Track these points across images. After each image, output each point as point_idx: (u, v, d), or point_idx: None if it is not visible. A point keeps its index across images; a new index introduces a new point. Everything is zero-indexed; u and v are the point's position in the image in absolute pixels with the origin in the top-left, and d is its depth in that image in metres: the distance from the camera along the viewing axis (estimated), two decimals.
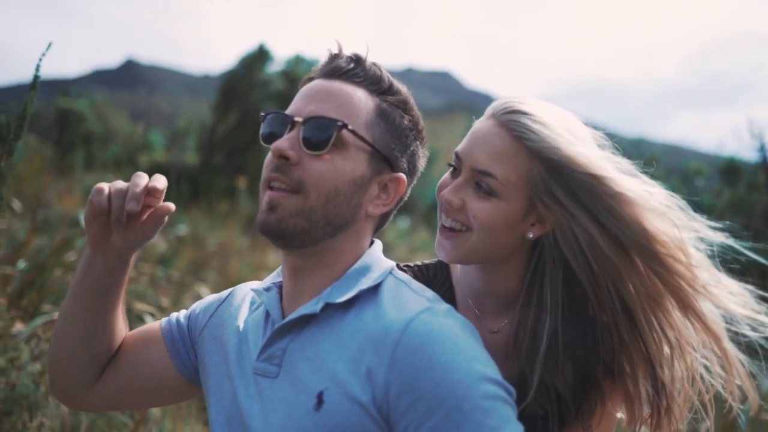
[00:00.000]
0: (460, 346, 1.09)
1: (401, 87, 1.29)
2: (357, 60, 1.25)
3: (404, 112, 1.28)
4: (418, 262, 1.56)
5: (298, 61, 16.08)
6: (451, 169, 1.41)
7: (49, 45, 2.04)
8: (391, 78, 1.27)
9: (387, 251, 1.66)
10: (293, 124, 1.19)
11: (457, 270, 1.53)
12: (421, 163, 1.35)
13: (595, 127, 1.44)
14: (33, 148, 11.21)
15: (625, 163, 1.38)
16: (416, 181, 1.36)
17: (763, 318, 1.35)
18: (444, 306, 1.19)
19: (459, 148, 1.39)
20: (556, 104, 1.39)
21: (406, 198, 1.34)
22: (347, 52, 1.27)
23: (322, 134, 1.16)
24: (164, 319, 1.45)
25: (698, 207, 1.40)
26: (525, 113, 1.33)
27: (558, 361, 1.32)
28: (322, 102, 1.20)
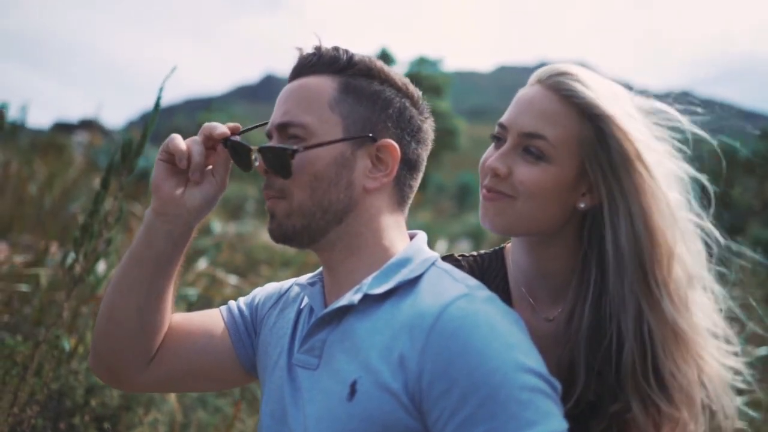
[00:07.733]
0: (497, 333, 1.03)
1: (362, 58, 1.24)
2: (315, 52, 1.25)
3: (369, 78, 1.23)
4: (474, 252, 1.49)
5: (421, 62, 16.06)
6: (494, 142, 1.34)
7: (173, 69, 2.08)
8: (350, 53, 1.24)
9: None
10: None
11: (509, 258, 1.44)
12: (421, 121, 1.28)
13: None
14: None
15: (667, 150, 1.29)
16: (429, 137, 1.29)
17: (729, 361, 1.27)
18: (485, 293, 1.13)
19: (503, 118, 1.31)
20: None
21: (421, 162, 1.28)
22: (308, 49, 1.26)
23: (278, 163, 1.18)
24: (224, 309, 1.43)
25: None
26: (572, 75, 1.27)
27: (602, 345, 1.23)
28: (285, 104, 1.23)
